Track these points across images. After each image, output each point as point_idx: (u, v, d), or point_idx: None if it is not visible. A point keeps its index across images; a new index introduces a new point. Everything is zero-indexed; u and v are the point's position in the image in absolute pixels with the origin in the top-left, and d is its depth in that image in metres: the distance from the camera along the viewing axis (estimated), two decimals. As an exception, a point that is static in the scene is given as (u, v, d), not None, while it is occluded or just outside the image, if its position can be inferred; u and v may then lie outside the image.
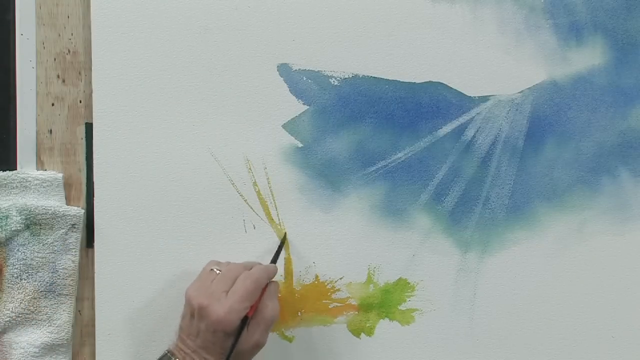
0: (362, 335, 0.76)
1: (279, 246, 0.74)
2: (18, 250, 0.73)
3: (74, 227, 0.74)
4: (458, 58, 0.77)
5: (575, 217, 0.77)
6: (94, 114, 0.75)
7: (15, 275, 0.73)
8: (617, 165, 0.78)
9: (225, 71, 0.75)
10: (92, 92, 0.75)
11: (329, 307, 0.76)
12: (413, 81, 0.76)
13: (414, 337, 0.77)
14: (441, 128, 0.77)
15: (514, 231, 0.77)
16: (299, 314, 0.76)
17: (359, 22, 0.76)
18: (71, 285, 0.74)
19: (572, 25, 0.78)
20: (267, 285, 0.67)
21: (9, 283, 0.73)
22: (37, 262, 0.73)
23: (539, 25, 0.77)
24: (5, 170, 0.74)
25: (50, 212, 0.73)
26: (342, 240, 0.76)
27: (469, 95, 0.77)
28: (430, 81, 0.77)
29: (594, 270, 0.77)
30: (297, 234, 0.76)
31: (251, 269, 0.68)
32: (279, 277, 0.74)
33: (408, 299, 0.77)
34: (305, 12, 0.76)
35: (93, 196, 0.75)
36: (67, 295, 0.74)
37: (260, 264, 0.71)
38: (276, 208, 0.76)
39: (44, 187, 0.74)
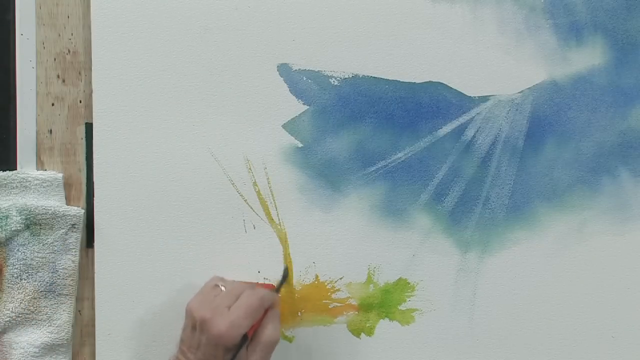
0: (362, 335, 0.76)
1: (282, 278, 0.74)
2: (18, 250, 0.73)
3: (74, 227, 0.74)
4: (458, 58, 0.77)
5: (575, 217, 0.77)
6: (94, 114, 0.75)
7: (15, 275, 0.73)
8: (617, 165, 0.78)
9: (225, 71, 0.75)
10: (92, 92, 0.75)
11: (329, 307, 0.76)
12: (413, 81, 0.76)
13: (414, 337, 0.77)
14: (441, 128, 0.77)
15: (514, 231, 0.77)
16: (299, 314, 0.76)
17: (359, 22, 0.76)
18: (71, 285, 0.74)
19: (572, 25, 0.78)
20: (268, 310, 0.67)
21: (9, 283, 0.73)
22: (37, 262, 0.73)
23: (539, 25, 0.77)
24: (5, 170, 0.74)
25: (50, 212, 0.73)
26: (342, 240, 0.76)
27: (469, 95, 0.77)
28: (430, 81, 0.77)
29: (594, 270, 0.77)
30: (297, 234, 0.76)
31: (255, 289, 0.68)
32: (279, 276, 0.75)
33: (408, 299, 0.77)
34: (305, 12, 0.76)
35: (93, 196, 0.75)
36: (67, 295, 0.74)
37: (262, 286, 0.71)
38: (276, 208, 0.76)
39: (44, 187, 0.74)
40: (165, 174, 0.75)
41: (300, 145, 0.76)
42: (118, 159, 0.75)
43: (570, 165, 0.77)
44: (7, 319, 0.73)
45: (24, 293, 0.73)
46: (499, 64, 0.77)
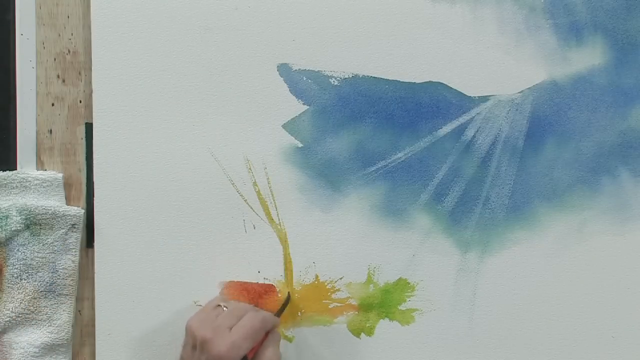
0: (362, 335, 0.76)
1: (285, 303, 0.73)
2: (18, 250, 0.73)
3: (74, 227, 0.74)
4: (458, 58, 0.77)
5: (575, 217, 0.77)
6: (94, 114, 0.75)
7: (15, 275, 0.73)
8: (617, 165, 0.78)
9: (225, 71, 0.75)
10: (92, 92, 0.75)
11: (329, 307, 0.76)
12: (413, 81, 0.76)
13: (414, 337, 0.77)
14: (441, 128, 0.77)
15: (514, 231, 0.77)
16: (299, 314, 0.76)
17: (359, 22, 0.76)
18: (71, 285, 0.74)
19: (572, 25, 0.78)
20: (269, 332, 0.67)
21: (9, 283, 0.73)
22: (37, 262, 0.73)
23: (539, 25, 0.77)
24: (5, 170, 0.74)
25: (50, 212, 0.73)
26: (342, 240, 0.76)
27: (469, 95, 0.77)
28: (430, 81, 0.77)
29: (594, 270, 0.77)
30: (297, 234, 0.76)
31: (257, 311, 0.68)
32: (279, 276, 0.75)
33: (408, 299, 0.77)
34: (305, 12, 0.76)
35: (93, 196, 0.75)
36: (67, 295, 0.74)
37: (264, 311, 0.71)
38: (276, 208, 0.76)
39: (44, 187, 0.74)
40: (165, 174, 0.75)
41: (300, 145, 0.76)
42: (118, 159, 0.75)
43: (570, 165, 0.77)
44: (7, 319, 0.73)
45: (24, 293, 0.73)
46: (499, 64, 0.77)
